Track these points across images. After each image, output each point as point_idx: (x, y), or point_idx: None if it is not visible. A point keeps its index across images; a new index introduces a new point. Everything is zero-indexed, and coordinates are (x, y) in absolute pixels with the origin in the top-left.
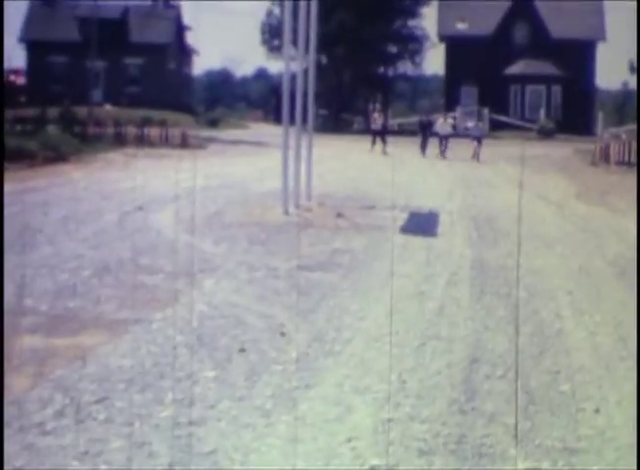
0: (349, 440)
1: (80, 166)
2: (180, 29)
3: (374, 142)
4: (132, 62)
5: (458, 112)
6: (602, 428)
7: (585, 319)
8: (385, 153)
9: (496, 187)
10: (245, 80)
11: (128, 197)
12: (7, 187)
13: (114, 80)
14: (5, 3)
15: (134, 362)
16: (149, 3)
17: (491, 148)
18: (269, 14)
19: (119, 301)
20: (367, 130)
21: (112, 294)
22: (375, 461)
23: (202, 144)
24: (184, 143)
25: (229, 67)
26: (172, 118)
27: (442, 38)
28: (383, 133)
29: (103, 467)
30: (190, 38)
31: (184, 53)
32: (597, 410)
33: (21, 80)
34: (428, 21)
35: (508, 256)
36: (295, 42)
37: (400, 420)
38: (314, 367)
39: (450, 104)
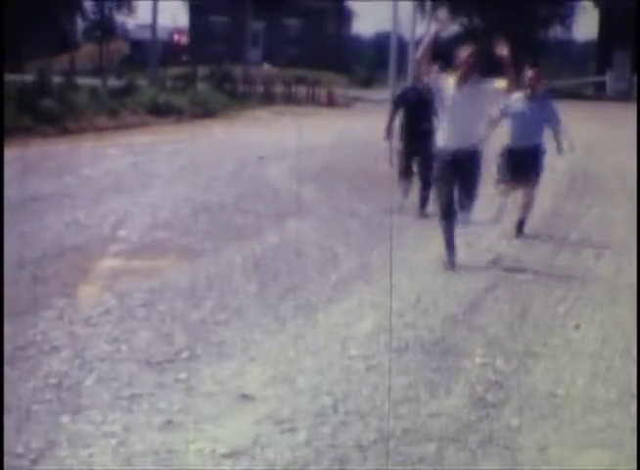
0: (345, 339)
1: (224, 122)
2: None
3: None
4: (292, 22)
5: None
6: (573, 341)
7: None
8: None
9: None
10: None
11: (256, 149)
12: (144, 138)
13: (274, 40)
14: None
15: (190, 279)
16: None
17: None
18: None
19: (205, 234)
20: None
21: (201, 229)
22: (353, 352)
23: (348, 103)
24: (330, 102)
25: (400, 30)
26: (327, 79)
27: (597, 2)
28: None
29: (124, 347)
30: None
31: (343, 15)
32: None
33: (184, 40)
34: None
35: None
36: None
37: (396, 327)
38: (347, 289)
39: (602, 68)
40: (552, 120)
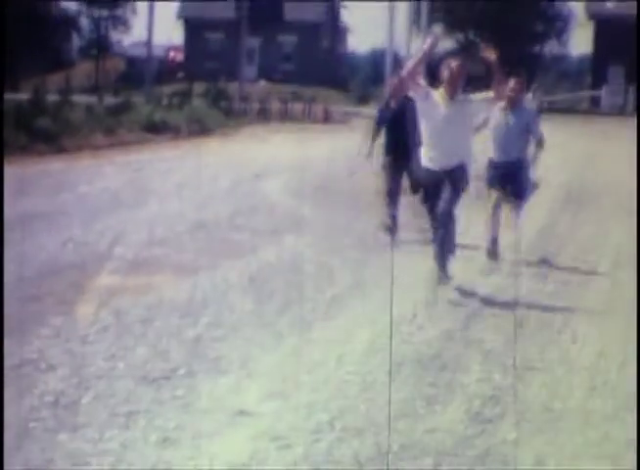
0: (340, 355)
1: (220, 139)
2: (334, 8)
3: None
4: (286, 39)
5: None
6: (570, 352)
7: None
8: None
9: None
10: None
11: (252, 166)
12: (140, 156)
13: (269, 57)
14: None
15: (187, 296)
16: None
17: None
18: None
19: (201, 251)
20: None
21: (197, 246)
22: (350, 368)
23: (344, 119)
24: (326, 118)
25: (395, 46)
26: (322, 95)
27: (591, 17)
28: None
29: (120, 364)
30: (345, 17)
31: (338, 31)
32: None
33: (179, 57)
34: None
35: None
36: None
37: (394, 343)
38: (343, 305)
39: (597, 83)
40: (532, 133)
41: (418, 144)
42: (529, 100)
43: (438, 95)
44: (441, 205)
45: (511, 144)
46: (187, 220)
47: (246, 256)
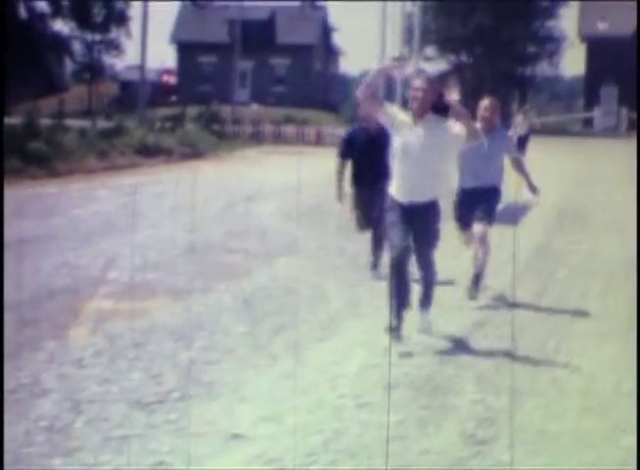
0: (334, 377)
1: (213, 162)
2: (326, 30)
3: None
4: (279, 62)
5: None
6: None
7: None
8: None
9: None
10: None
11: (245, 189)
12: (133, 179)
13: (262, 80)
14: (156, 5)
15: (180, 319)
16: (296, 5)
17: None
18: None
19: (194, 275)
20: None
21: (190, 269)
22: (344, 391)
23: (336, 141)
24: (319, 141)
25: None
26: (315, 117)
27: (584, 39)
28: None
29: (114, 388)
30: (337, 39)
31: (330, 53)
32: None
33: (172, 80)
34: (565, 21)
35: None
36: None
37: (383, 366)
38: (336, 327)
39: (590, 104)
40: (509, 153)
41: (387, 173)
42: (521, 121)
43: (407, 116)
44: (421, 257)
45: (484, 169)
46: (180, 243)
47: (239, 278)
